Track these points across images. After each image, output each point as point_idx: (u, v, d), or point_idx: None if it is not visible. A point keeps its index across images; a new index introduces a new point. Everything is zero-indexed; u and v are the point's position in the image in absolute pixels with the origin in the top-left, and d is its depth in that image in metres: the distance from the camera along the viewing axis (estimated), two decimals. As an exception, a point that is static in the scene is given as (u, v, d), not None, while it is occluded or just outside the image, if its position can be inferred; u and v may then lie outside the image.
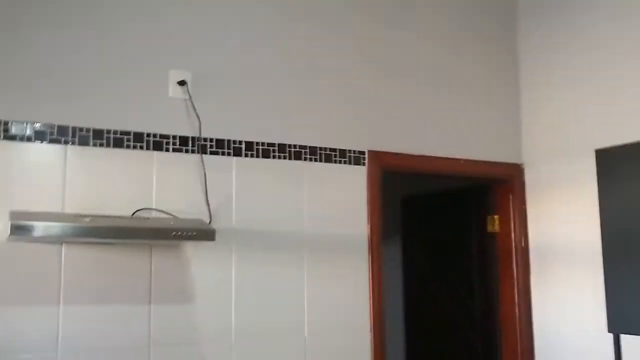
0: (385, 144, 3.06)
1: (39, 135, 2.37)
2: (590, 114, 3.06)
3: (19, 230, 1.80)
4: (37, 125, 2.36)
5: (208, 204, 2.60)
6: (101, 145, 2.46)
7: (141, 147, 2.54)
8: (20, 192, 2.31)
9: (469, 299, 3.62)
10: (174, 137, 2.60)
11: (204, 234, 2.09)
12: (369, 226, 2.96)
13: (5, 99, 2.34)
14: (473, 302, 3.59)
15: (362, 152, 3.00)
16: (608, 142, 2.46)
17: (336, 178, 2.92)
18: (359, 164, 2.99)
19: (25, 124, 2.35)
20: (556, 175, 3.19)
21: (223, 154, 2.69)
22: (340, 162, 2.94)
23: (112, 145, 2.48)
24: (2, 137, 2.31)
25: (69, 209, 2.36)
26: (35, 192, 2.33)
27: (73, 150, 2.42)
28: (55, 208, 2.34)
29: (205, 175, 2.61)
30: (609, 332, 2.41)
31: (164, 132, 2.58)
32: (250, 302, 2.64)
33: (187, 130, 2.63)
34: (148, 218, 2.14)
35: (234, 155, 2.71)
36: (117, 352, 2.38)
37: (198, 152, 2.62)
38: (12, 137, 2.33)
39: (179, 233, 2.03)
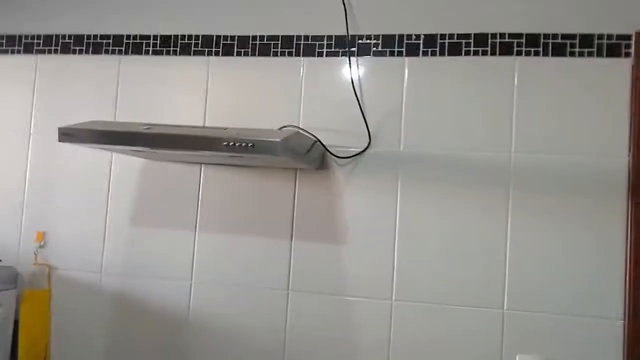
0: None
1: (184, 48, 2.19)
2: None
3: (63, 136, 1.67)
4: (181, 37, 2.19)
5: (365, 121, 2.00)
6: (245, 54, 2.13)
7: (290, 54, 2.10)
8: (162, 107, 2.18)
9: None
10: (329, 38, 2.07)
11: (264, 146, 1.55)
12: (631, 154, 1.84)
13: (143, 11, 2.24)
14: None
15: (625, 37, 1.87)
16: None
17: (571, 79, 1.89)
18: (615, 56, 1.87)
19: (165, 37, 2.21)
20: None
21: (392, 54, 2.02)
22: (580, 54, 1.89)
23: (257, 53, 2.13)
24: (142, 52, 2.22)
25: (210, 123, 2.13)
26: (177, 106, 2.17)
27: (216, 61, 2.16)
28: (197, 122, 2.14)
29: (353, 84, 2.01)
30: None
31: (317, 33, 2.08)
32: (419, 253, 1.95)
33: (343, 29, 2.06)
34: (217, 128, 1.75)
35: (407, 55, 2.01)
36: (248, 289, 2.06)
37: (355, 55, 2.04)
38: (159, 52, 2.21)
39: (232, 143, 1.56)
